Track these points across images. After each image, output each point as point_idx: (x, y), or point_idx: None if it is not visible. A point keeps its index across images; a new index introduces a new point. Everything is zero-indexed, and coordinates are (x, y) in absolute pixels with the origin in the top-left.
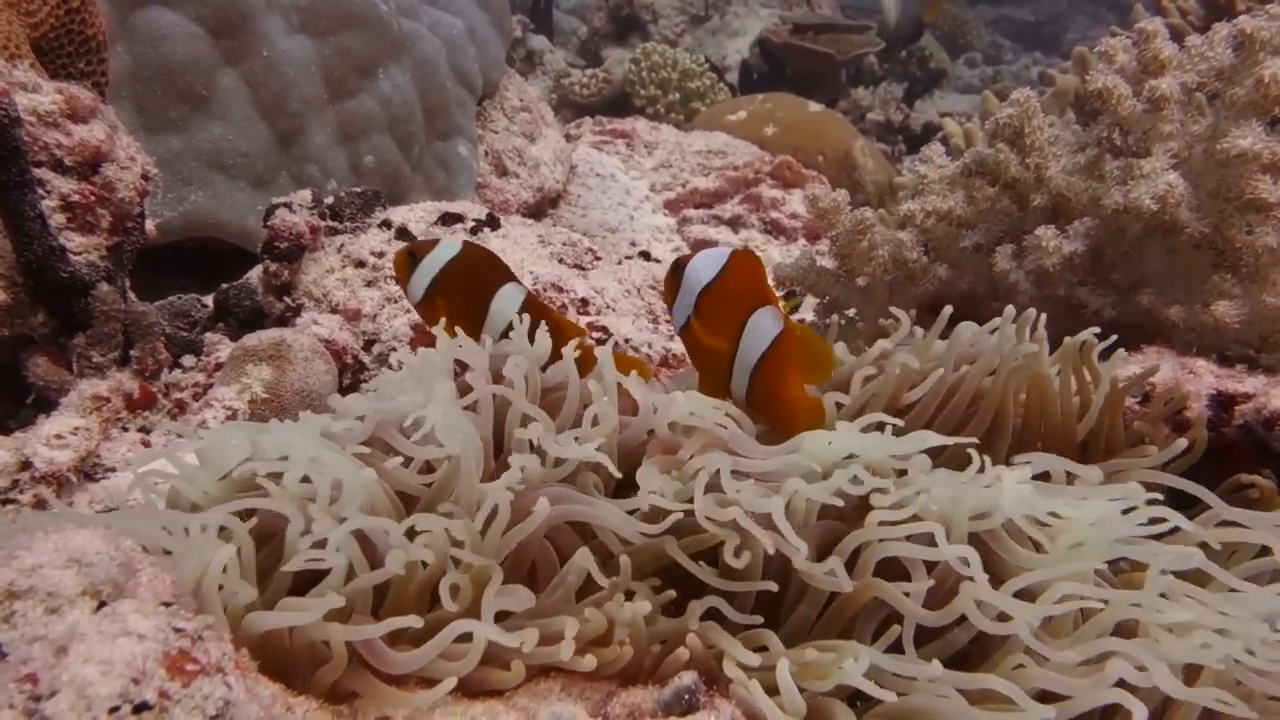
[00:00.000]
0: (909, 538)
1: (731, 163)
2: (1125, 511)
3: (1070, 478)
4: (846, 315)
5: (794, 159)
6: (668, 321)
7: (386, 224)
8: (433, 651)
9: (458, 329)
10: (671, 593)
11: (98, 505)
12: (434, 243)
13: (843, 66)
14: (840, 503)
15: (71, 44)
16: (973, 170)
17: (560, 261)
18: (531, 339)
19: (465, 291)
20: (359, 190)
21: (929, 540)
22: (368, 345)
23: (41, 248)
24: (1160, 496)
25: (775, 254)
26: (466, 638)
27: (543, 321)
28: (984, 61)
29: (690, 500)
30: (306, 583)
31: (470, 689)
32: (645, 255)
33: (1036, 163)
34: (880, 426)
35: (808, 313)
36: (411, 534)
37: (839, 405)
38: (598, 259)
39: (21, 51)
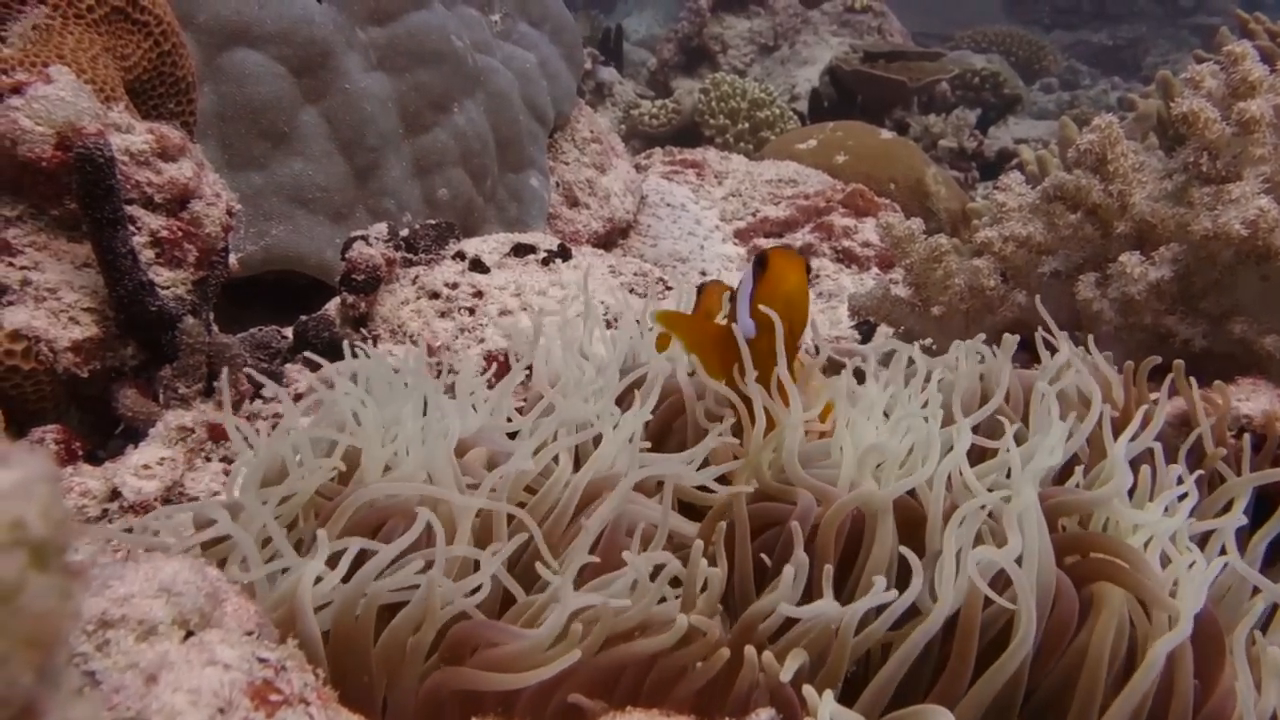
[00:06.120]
0: None
1: (802, 191)
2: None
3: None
4: (922, 345)
5: (865, 187)
6: None
7: (460, 255)
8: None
9: None
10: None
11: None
12: None
13: (915, 93)
14: None
15: (162, 86)
16: (1053, 196)
17: (631, 291)
18: None
19: None
20: (433, 223)
21: None
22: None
23: (132, 283)
24: None
25: (848, 283)
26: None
27: None
28: (1060, 87)
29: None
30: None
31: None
32: None
33: (1120, 189)
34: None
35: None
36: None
37: None
38: (668, 289)
39: (116, 94)
